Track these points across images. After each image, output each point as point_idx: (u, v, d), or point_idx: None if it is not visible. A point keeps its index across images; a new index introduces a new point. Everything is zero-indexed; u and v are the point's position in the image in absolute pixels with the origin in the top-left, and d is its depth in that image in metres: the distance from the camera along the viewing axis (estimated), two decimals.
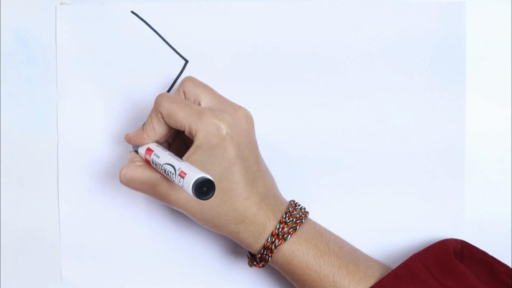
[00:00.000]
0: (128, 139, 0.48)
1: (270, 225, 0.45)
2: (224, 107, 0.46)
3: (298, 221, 0.46)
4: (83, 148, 0.53)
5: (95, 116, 0.53)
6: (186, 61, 0.53)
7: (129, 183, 0.46)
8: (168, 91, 0.53)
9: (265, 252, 0.46)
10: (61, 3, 0.53)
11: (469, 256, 0.48)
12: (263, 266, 0.47)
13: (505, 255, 0.52)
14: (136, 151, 0.48)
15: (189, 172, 0.40)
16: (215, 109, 0.45)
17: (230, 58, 0.53)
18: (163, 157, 0.44)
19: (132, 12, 0.53)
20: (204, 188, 0.39)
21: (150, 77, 0.53)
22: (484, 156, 0.52)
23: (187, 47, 0.53)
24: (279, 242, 0.45)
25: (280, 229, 0.45)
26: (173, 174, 0.41)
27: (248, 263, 0.48)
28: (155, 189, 0.45)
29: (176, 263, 0.54)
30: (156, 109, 0.46)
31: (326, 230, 0.48)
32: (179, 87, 0.47)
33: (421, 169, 0.52)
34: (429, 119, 0.52)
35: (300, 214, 0.47)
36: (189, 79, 0.47)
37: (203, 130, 0.43)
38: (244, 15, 0.52)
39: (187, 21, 0.53)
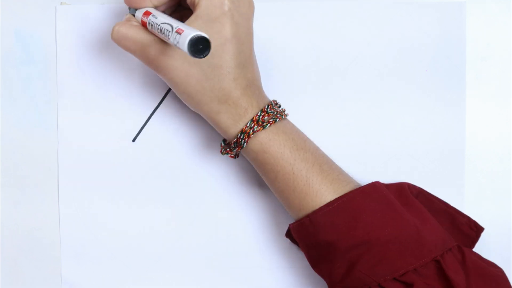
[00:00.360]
0: (128, 1, 0.47)
1: (251, 111, 0.45)
2: None
3: (278, 115, 0.46)
4: (83, 148, 0.53)
5: (95, 116, 0.53)
6: None
7: (121, 40, 0.45)
8: (168, 91, 0.53)
9: (241, 136, 0.45)
10: (61, 3, 0.53)
11: (428, 204, 0.48)
12: (236, 155, 0.47)
13: (505, 255, 0.52)
14: (133, 15, 0.47)
15: (186, 29, 0.39)
16: None
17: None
18: (162, 18, 0.43)
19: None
20: (199, 46, 0.38)
21: (150, 77, 0.53)
22: (484, 156, 0.52)
23: None
24: (258, 128, 0.45)
25: (260, 117, 0.45)
26: (169, 32, 0.41)
27: (221, 151, 0.48)
28: (146, 50, 0.44)
29: (176, 263, 0.54)
30: None
31: (302, 132, 0.48)
32: None
33: (421, 169, 0.52)
34: (429, 119, 0.52)
35: (281, 111, 0.47)
36: None
37: (207, 1, 0.43)
38: None
39: None
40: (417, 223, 0.44)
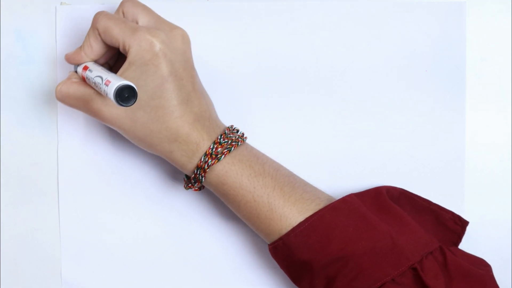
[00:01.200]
0: (67, 58, 0.48)
1: (204, 145, 0.45)
2: (161, 25, 0.46)
3: (233, 143, 0.46)
4: (83, 148, 0.53)
5: None
6: None
7: (64, 99, 0.47)
8: None
9: (198, 172, 0.46)
10: (61, 3, 0.53)
11: (410, 204, 0.48)
12: (200, 189, 0.48)
13: (505, 255, 0.52)
14: (76, 72, 0.49)
15: (113, 80, 0.40)
16: (151, 27, 0.45)
17: (230, 58, 0.53)
18: (96, 71, 0.44)
19: None
20: (125, 95, 0.39)
21: None
22: (484, 156, 0.52)
23: None
24: (212, 162, 0.45)
25: (213, 149, 0.45)
26: (100, 84, 0.42)
27: (184, 186, 0.48)
28: (89, 104, 0.45)
29: (176, 263, 0.54)
30: (94, 26, 0.46)
31: (263, 154, 0.48)
32: (119, 8, 0.47)
33: (421, 169, 0.52)
34: (429, 119, 0.52)
35: (237, 137, 0.47)
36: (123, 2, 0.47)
37: (136, 46, 0.43)
38: (244, 15, 0.52)
39: (187, 21, 0.53)
40: (393, 231, 0.44)
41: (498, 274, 0.47)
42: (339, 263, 0.44)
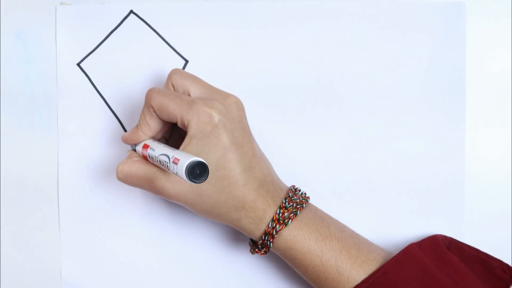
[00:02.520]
0: (125, 140, 0.48)
1: (270, 210, 0.45)
2: (214, 95, 0.46)
3: (298, 206, 0.46)
4: (83, 148, 0.53)
5: (95, 116, 0.53)
6: (186, 61, 0.53)
7: (126, 179, 0.46)
8: None
9: (266, 238, 0.45)
10: (61, 3, 0.53)
11: (459, 253, 0.48)
12: (265, 253, 0.47)
13: (505, 255, 0.52)
14: (135, 150, 0.48)
15: (182, 157, 0.40)
16: (205, 98, 0.45)
17: (230, 58, 0.53)
18: (158, 149, 0.44)
19: (132, 12, 0.53)
20: (197, 171, 0.39)
21: (150, 77, 0.53)
22: (484, 156, 0.52)
23: (187, 47, 0.53)
24: (280, 227, 0.45)
25: (280, 214, 0.45)
26: (167, 163, 0.41)
27: (250, 251, 0.48)
28: (153, 183, 0.45)
29: (176, 263, 0.54)
30: (148, 104, 0.46)
31: (327, 215, 0.48)
32: (167, 81, 0.47)
33: (421, 169, 0.52)
34: (429, 119, 0.52)
35: (301, 199, 0.47)
36: (176, 71, 0.47)
37: (195, 119, 0.43)
38: (244, 15, 0.52)
39: (187, 21, 0.53)
40: (453, 284, 0.44)
41: None
42: None
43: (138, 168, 0.46)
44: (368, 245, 0.47)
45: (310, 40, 0.52)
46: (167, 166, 0.41)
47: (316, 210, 0.48)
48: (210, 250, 0.53)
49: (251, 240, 0.48)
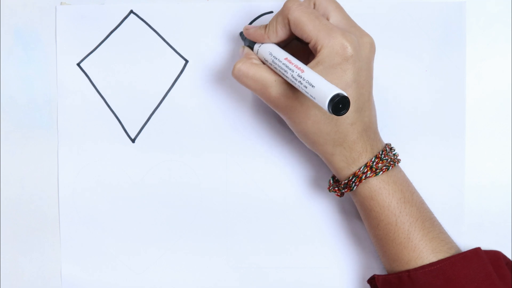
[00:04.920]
0: (248, 34, 0.48)
1: (365, 156, 0.46)
2: (352, 29, 0.45)
3: (391, 162, 0.46)
4: (83, 148, 0.53)
5: (95, 116, 0.53)
6: (186, 61, 0.53)
7: (242, 78, 0.46)
8: (168, 91, 0.53)
9: (353, 180, 0.46)
10: (61, 3, 0.53)
11: None
12: (342, 194, 0.47)
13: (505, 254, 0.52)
14: (250, 47, 0.48)
15: (323, 85, 0.39)
16: (344, 29, 0.45)
17: (230, 58, 0.53)
18: (285, 60, 0.44)
19: (132, 12, 0.53)
20: (339, 105, 0.39)
21: (150, 77, 0.53)
22: (484, 156, 0.52)
23: (187, 47, 0.53)
24: (371, 174, 0.45)
25: (374, 163, 0.45)
26: (303, 84, 0.41)
27: (328, 188, 0.48)
28: (267, 90, 0.45)
29: (176, 263, 0.54)
30: (284, 14, 0.45)
31: (411, 183, 0.48)
32: None
33: (421, 169, 0.52)
34: (429, 118, 0.52)
35: (394, 157, 0.47)
36: None
37: (329, 47, 0.43)
38: (244, 15, 0.52)
39: (187, 21, 0.53)
40: None
41: None
42: None
43: (256, 71, 0.46)
44: (440, 226, 0.47)
45: None
46: (301, 86, 0.41)
47: (404, 174, 0.48)
48: (210, 251, 0.53)
49: (333, 178, 0.49)
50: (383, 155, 0.46)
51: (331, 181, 0.49)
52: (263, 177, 0.53)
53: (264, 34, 0.47)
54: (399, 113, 0.52)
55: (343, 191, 0.47)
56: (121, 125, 0.53)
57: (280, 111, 0.46)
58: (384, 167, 0.45)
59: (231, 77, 0.52)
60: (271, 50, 0.46)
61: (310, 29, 0.44)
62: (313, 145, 0.46)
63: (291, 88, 0.44)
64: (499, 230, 0.52)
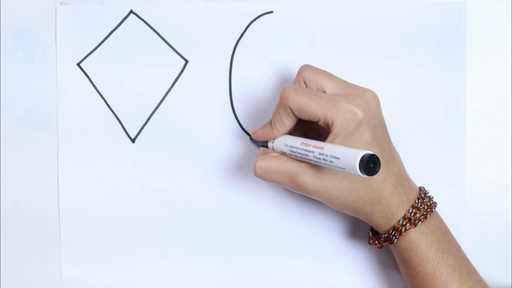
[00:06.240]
0: (257, 136, 0.48)
1: (403, 207, 0.45)
2: (351, 90, 0.46)
3: (428, 210, 0.46)
4: (83, 148, 0.53)
5: (95, 116, 0.53)
6: (186, 61, 0.53)
7: (265, 174, 0.46)
8: (168, 91, 0.53)
9: (393, 233, 0.46)
10: (61, 3, 0.53)
11: None
12: (382, 247, 0.48)
13: (505, 255, 0.52)
14: (265, 146, 0.49)
15: (348, 153, 0.40)
16: (345, 95, 0.45)
17: (230, 58, 0.53)
18: (305, 146, 0.44)
19: (132, 12, 0.53)
20: (370, 165, 0.39)
21: (150, 77, 0.53)
22: (484, 156, 0.52)
23: (187, 47, 0.53)
24: (410, 227, 0.45)
25: (412, 214, 0.45)
26: (325, 159, 0.41)
27: (368, 241, 0.49)
28: (294, 179, 0.45)
29: (176, 263, 0.54)
30: (284, 104, 0.45)
31: (448, 228, 0.48)
32: (298, 77, 0.47)
33: (421, 169, 0.52)
34: (429, 119, 0.52)
35: (430, 203, 0.47)
36: (306, 67, 0.47)
37: (340, 118, 0.43)
38: (244, 15, 0.52)
39: (187, 21, 0.53)
40: None
41: (498, 275, 0.47)
42: None
43: (279, 163, 0.46)
44: (475, 272, 0.47)
45: (309, 40, 0.52)
46: (324, 161, 0.42)
47: (441, 220, 0.48)
48: (210, 251, 0.53)
49: (371, 231, 0.49)
50: (419, 204, 0.46)
51: (370, 234, 0.49)
52: None
53: (272, 129, 0.47)
54: (399, 113, 0.52)
55: (383, 244, 0.47)
56: (121, 125, 0.53)
57: (314, 195, 0.45)
58: (422, 217, 0.45)
59: (230, 78, 0.52)
60: (285, 141, 0.46)
61: (314, 108, 0.44)
62: (354, 212, 0.46)
63: (317, 169, 0.44)
64: (499, 230, 0.52)
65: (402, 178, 0.46)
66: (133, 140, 0.53)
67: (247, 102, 0.53)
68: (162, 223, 0.53)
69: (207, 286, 0.54)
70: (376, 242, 0.48)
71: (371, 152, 0.39)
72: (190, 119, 0.53)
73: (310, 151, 0.43)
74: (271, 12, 0.52)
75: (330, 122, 0.44)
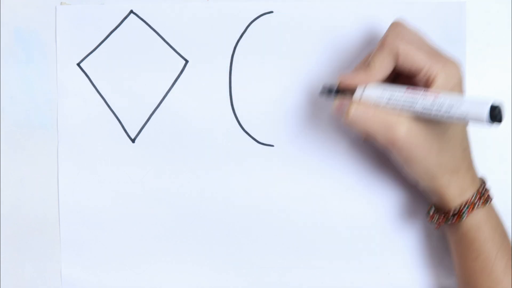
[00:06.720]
0: (348, 83, 0.45)
1: (475, 184, 0.45)
2: (440, 51, 0.45)
3: (491, 195, 0.46)
4: (83, 148, 0.53)
5: (95, 116, 0.53)
6: (186, 61, 0.53)
7: (361, 122, 0.43)
8: (168, 91, 0.53)
9: (465, 208, 0.44)
10: (61, 3, 0.53)
11: None
12: (447, 222, 0.46)
13: None
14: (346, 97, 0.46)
15: (474, 99, 0.39)
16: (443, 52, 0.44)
17: (230, 58, 0.53)
18: (412, 94, 0.42)
19: (132, 12, 0.53)
20: (496, 114, 0.38)
21: (150, 77, 0.53)
22: (484, 156, 0.52)
23: (187, 47, 0.53)
24: (482, 202, 0.45)
25: (484, 191, 0.45)
26: (440, 107, 0.40)
27: (429, 219, 0.47)
28: (392, 131, 0.43)
29: (177, 263, 0.54)
30: (390, 48, 0.44)
31: None
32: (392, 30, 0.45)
33: None
34: None
35: (490, 191, 0.47)
36: (399, 24, 0.46)
37: (446, 71, 0.43)
38: (244, 15, 0.52)
39: (187, 21, 0.53)
40: None
41: None
42: None
43: (377, 111, 0.43)
44: None
45: (309, 40, 0.52)
46: (441, 109, 0.40)
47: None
48: (212, 246, 0.53)
49: (433, 207, 0.47)
50: (486, 186, 0.46)
51: (434, 212, 0.47)
52: (264, 175, 0.53)
53: (368, 73, 0.44)
54: None
55: (451, 221, 0.46)
56: (121, 125, 0.53)
57: (404, 151, 0.43)
58: (490, 198, 0.45)
59: (230, 78, 0.52)
60: (383, 89, 0.44)
61: (421, 58, 0.43)
62: (432, 179, 0.45)
63: (415, 124, 0.43)
64: None
65: (472, 157, 0.46)
66: (133, 140, 0.53)
67: (247, 102, 0.53)
68: (162, 223, 0.53)
69: (207, 286, 0.54)
70: (442, 217, 0.46)
71: (499, 102, 0.38)
72: (190, 119, 0.53)
73: (418, 100, 0.41)
74: (271, 12, 0.52)
75: (433, 74, 0.43)
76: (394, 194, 0.52)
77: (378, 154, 0.52)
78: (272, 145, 0.53)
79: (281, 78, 0.53)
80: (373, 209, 0.53)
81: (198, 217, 0.53)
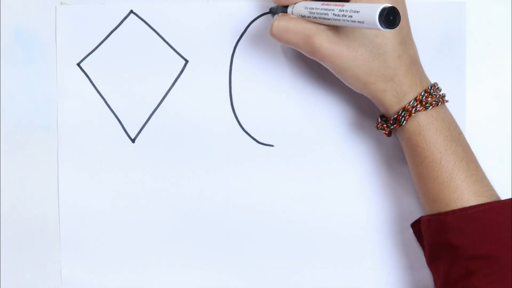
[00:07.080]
0: (278, 0, 0.47)
1: (415, 89, 0.45)
2: None
3: (440, 99, 0.46)
4: (83, 148, 0.53)
5: (95, 116, 0.53)
6: (186, 61, 0.53)
7: (282, 34, 0.46)
8: (168, 91, 0.53)
9: (402, 114, 0.45)
10: (61, 3, 0.53)
11: None
12: (390, 133, 0.47)
13: None
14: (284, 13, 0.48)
15: (369, 6, 0.39)
16: None
17: (230, 58, 0.53)
18: (326, 5, 0.43)
19: (132, 12, 0.53)
20: (390, 17, 0.38)
21: (150, 77, 0.53)
22: (484, 156, 0.52)
23: (187, 47, 0.53)
24: (420, 108, 0.45)
25: (424, 97, 0.45)
26: (344, 15, 0.41)
27: (376, 126, 0.48)
28: (310, 40, 0.45)
29: (177, 263, 0.54)
30: None
31: (457, 124, 0.47)
32: None
33: None
34: None
35: (442, 95, 0.47)
36: None
37: None
38: (244, 15, 0.52)
39: (187, 21, 0.53)
40: None
41: None
42: (485, 262, 0.43)
43: (297, 23, 0.45)
44: (483, 173, 0.46)
45: None
46: (344, 17, 0.41)
47: (451, 114, 0.47)
48: (212, 246, 0.53)
49: (380, 117, 0.48)
50: (432, 90, 0.45)
51: (379, 119, 0.48)
52: (264, 176, 0.53)
53: None
54: None
55: (392, 127, 0.46)
56: (121, 125, 0.53)
57: (327, 60, 0.45)
58: (434, 102, 0.45)
59: (230, 78, 0.52)
60: (305, 4, 0.45)
61: None
62: (365, 86, 0.46)
63: (334, 33, 0.44)
64: None
65: (416, 63, 0.46)
66: (133, 140, 0.53)
67: (247, 102, 0.53)
68: (162, 223, 0.53)
69: (207, 285, 0.54)
70: (385, 125, 0.47)
71: (390, 5, 0.38)
72: (190, 119, 0.53)
73: (329, 10, 0.43)
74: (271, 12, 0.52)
75: None
76: (394, 194, 0.52)
77: (378, 154, 0.52)
78: (272, 145, 0.53)
79: (281, 78, 0.53)
80: (372, 209, 0.53)
81: (197, 216, 0.53)
